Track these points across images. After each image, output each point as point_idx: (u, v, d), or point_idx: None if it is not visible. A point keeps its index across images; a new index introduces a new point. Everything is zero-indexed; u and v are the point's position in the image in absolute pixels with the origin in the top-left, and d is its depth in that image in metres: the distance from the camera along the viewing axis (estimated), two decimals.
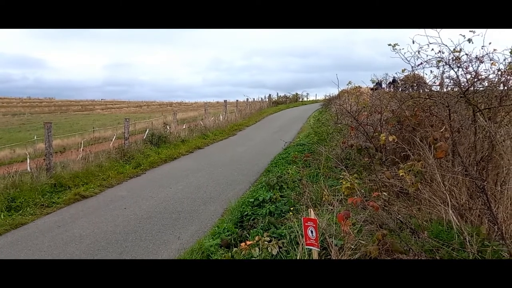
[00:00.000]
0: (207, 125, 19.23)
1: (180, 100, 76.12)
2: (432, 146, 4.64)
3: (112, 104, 67.52)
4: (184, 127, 18.04)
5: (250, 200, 6.47)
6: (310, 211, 3.61)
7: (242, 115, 26.54)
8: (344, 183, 4.68)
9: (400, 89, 8.08)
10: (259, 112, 31.42)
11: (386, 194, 4.96)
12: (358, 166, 6.73)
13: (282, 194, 6.50)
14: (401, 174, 4.72)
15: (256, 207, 6.12)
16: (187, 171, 10.75)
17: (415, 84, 7.19)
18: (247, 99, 32.75)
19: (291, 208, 5.44)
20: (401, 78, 7.74)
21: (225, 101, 26.03)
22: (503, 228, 3.39)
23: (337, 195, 5.19)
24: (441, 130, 4.35)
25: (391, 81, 9.49)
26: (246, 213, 5.94)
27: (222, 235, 5.25)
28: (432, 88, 5.77)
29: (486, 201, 3.34)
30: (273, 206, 5.87)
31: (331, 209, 4.81)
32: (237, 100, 30.54)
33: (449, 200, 4.06)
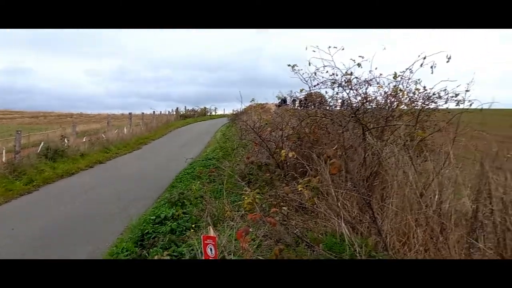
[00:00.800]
0: (110, 138, 18.34)
1: (81, 111, 71.73)
2: (327, 162, 4.91)
3: (3, 114, 61.53)
4: (84, 140, 17.02)
5: (152, 217, 6.27)
6: (209, 228, 3.58)
7: (148, 128, 25.82)
8: (246, 198, 4.75)
9: (303, 106, 8.47)
10: (166, 125, 30.82)
11: (286, 209, 5.11)
12: (261, 181, 6.87)
13: (184, 210, 6.39)
14: (299, 189, 4.92)
15: (157, 225, 5.94)
16: (86, 187, 10.11)
17: (317, 102, 7.59)
18: (154, 111, 32.01)
19: (193, 225, 5.37)
20: (304, 96, 8.12)
21: (130, 113, 25.21)
22: (387, 240, 3.66)
23: (239, 211, 5.24)
24: (334, 148, 4.62)
25: (294, 98, 9.91)
26: (147, 231, 5.73)
27: (120, 255, 5.00)
28: (329, 107, 6.13)
29: (371, 215, 3.59)
30: (175, 223, 5.75)
31: (233, 225, 4.83)
32: (143, 113, 29.75)
33: (342, 213, 4.29)
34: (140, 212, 7.55)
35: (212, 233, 3.50)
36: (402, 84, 5.23)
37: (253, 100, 10.04)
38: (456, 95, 5.02)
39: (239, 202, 5.67)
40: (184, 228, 5.57)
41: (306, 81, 5.45)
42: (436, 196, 3.44)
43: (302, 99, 8.91)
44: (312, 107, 8.04)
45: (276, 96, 15.50)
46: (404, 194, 4.08)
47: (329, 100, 6.13)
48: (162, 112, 36.33)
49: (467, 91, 4.61)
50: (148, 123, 27.27)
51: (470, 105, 4.66)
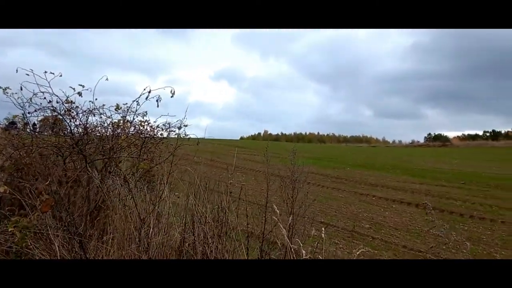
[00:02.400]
0: None
1: None
2: (41, 198, 4.42)
3: None
4: None
5: None
6: None
7: None
8: None
9: (38, 131, 7.46)
10: None
11: None
12: None
13: None
14: (10, 229, 4.24)
15: None
16: None
17: (54, 128, 6.80)
18: None
19: None
20: (40, 119, 7.18)
21: None
22: None
23: None
24: (47, 182, 4.19)
25: (11, 122, 8.68)
26: None
27: None
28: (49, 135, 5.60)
29: (83, 255, 3.37)
30: None
31: None
32: None
33: (59, 254, 3.92)
34: None
35: None
36: (129, 115, 5.23)
37: None
38: (179, 128, 5.31)
39: None
40: None
41: (22, 107, 4.83)
42: (151, 230, 3.49)
43: (35, 123, 7.90)
44: (46, 133, 7.19)
45: (5, 119, 13.42)
46: (124, 228, 4.01)
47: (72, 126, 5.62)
48: None
49: (185, 125, 4.93)
50: None
51: (188, 139, 5.00)
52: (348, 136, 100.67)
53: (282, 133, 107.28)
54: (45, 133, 6.38)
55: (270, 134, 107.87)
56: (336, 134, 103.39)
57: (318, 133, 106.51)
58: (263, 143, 49.59)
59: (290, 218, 3.10)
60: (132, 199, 4.01)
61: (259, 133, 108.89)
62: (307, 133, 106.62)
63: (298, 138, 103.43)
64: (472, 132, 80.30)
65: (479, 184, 15.23)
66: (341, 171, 18.70)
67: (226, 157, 23.75)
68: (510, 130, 75.19)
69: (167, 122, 5.40)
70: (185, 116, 4.88)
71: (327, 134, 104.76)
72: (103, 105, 4.77)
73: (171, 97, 5.32)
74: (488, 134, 76.66)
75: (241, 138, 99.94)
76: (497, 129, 77.17)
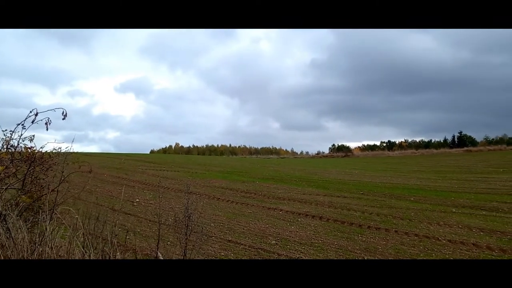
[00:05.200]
0: None
1: None
2: None
3: None
4: None
5: None
6: None
7: None
8: None
9: None
10: None
11: None
12: None
13: None
14: None
15: None
16: None
17: None
18: None
19: None
20: None
21: None
22: None
23: None
24: None
25: None
26: None
27: None
28: None
29: None
30: None
31: None
32: None
33: None
34: None
35: None
36: (13, 140, 4.74)
37: None
38: (70, 153, 4.95)
39: None
40: None
41: None
42: None
43: None
44: None
45: None
46: None
47: None
48: None
49: (73, 152, 4.59)
50: None
51: (80, 167, 4.65)
52: (259, 147, 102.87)
53: (194, 146, 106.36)
54: None
55: (182, 146, 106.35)
56: (247, 146, 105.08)
57: (230, 145, 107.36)
58: (174, 157, 48.70)
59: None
60: (10, 238, 3.59)
61: (170, 146, 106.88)
62: (219, 145, 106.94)
63: (210, 150, 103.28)
64: (371, 143, 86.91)
65: (376, 194, 16.31)
66: (251, 185, 18.91)
67: (134, 174, 22.89)
68: (403, 140, 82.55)
69: (58, 147, 5.01)
70: (73, 142, 4.55)
71: (239, 146, 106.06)
72: None
73: (63, 119, 4.98)
74: (384, 144, 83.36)
75: (151, 151, 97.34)
76: (392, 140, 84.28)
